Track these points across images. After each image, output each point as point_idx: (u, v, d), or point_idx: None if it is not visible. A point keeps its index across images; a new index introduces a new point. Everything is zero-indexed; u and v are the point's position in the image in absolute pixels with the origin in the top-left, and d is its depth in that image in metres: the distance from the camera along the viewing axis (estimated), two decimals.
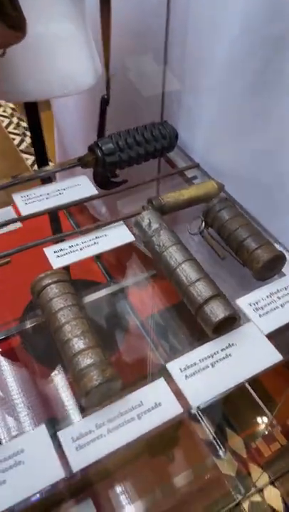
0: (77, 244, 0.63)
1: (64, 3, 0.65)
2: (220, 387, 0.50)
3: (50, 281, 0.53)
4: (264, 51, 0.60)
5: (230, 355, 0.53)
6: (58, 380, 0.95)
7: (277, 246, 0.61)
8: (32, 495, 0.42)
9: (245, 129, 0.68)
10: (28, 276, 0.56)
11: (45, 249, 0.62)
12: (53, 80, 0.69)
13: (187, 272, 0.56)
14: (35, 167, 1.48)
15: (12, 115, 2.17)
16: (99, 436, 0.46)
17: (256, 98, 0.64)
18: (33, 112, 0.79)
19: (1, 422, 0.86)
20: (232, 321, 0.54)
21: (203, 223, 0.66)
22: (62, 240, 0.64)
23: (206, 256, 0.68)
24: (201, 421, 1.12)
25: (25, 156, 1.91)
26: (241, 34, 0.61)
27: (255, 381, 1.09)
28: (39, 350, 1.03)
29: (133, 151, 0.73)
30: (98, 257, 1.45)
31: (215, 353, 0.53)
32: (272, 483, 1.09)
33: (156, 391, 0.50)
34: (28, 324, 0.61)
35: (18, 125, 2.10)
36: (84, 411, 0.48)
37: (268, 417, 1.07)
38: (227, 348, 0.53)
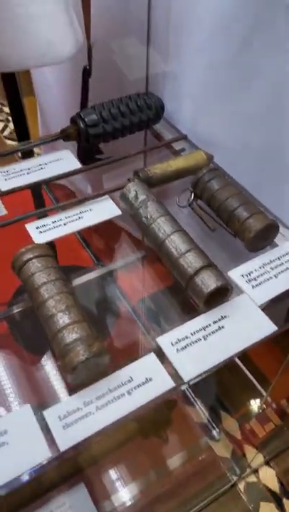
0: (60, 220, 0.60)
1: None
2: (213, 360, 0.48)
3: (31, 255, 0.50)
4: (249, 12, 0.57)
5: (223, 327, 0.50)
6: (48, 365, 0.93)
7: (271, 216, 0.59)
8: (17, 476, 0.40)
9: (233, 96, 0.65)
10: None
11: (27, 225, 0.59)
12: (30, 49, 0.66)
13: (176, 244, 0.54)
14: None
15: None
16: (87, 414, 0.43)
17: (243, 61, 0.61)
18: (11, 85, 0.75)
19: None
20: (224, 292, 0.52)
21: (192, 195, 0.63)
22: (45, 216, 0.62)
23: (197, 229, 0.66)
24: (194, 403, 1.11)
25: (9, 142, 1.86)
26: None
27: (247, 361, 1.09)
28: (28, 336, 1.01)
29: (117, 122, 0.70)
30: (87, 244, 1.43)
31: (207, 326, 0.50)
32: (267, 463, 1.08)
33: (146, 366, 0.47)
34: (16, 309, 0.58)
35: (0, 111, 2.05)
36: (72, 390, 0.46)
37: (262, 396, 1.06)
38: (219, 320, 0.51)
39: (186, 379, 0.46)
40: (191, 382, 0.47)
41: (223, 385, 1.13)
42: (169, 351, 0.48)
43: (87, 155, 0.74)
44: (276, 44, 0.56)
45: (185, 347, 0.49)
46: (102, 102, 0.71)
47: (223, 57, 0.63)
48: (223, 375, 1.10)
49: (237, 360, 1.05)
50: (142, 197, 0.59)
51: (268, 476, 1.07)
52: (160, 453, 1.01)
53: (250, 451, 1.07)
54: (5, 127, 1.94)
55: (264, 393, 0.97)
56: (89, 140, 0.69)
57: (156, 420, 0.84)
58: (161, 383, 0.46)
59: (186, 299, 0.55)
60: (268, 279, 0.55)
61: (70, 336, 0.44)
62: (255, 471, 1.07)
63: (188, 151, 0.74)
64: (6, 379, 0.89)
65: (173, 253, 0.53)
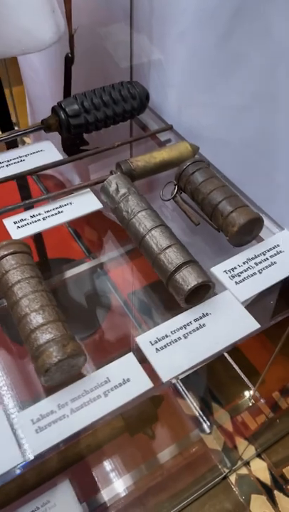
0: (39, 214, 0.58)
1: None
2: (193, 360, 0.47)
3: (5, 252, 0.49)
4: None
5: (204, 325, 0.49)
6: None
7: (255, 210, 0.57)
8: None
9: (217, 85, 0.63)
10: None
11: (4, 220, 0.57)
12: (9, 37, 0.63)
13: (157, 239, 0.52)
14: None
15: None
16: (61, 417, 0.42)
17: (227, 50, 0.59)
18: None
19: None
20: (206, 289, 0.50)
21: (176, 188, 0.61)
22: (31, 207, 0.60)
23: (182, 224, 0.64)
24: (185, 396, 1.10)
25: None
26: None
27: (238, 354, 1.08)
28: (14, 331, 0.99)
29: (100, 112, 0.67)
30: (79, 236, 1.41)
31: (188, 324, 0.49)
32: (258, 455, 1.08)
33: (124, 366, 0.46)
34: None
35: None
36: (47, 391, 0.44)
37: (250, 390, 1.05)
38: (201, 318, 0.50)
39: (164, 379, 0.45)
40: (174, 381, 0.46)
41: (215, 377, 1.12)
42: (148, 351, 0.47)
43: (72, 146, 0.72)
44: (260, 33, 0.54)
45: (165, 346, 0.47)
46: (85, 91, 0.68)
47: (207, 46, 0.61)
48: (214, 366, 1.09)
49: (226, 354, 1.04)
50: (122, 190, 0.57)
51: (260, 469, 1.07)
52: (151, 446, 1.00)
53: (241, 444, 1.06)
54: None
55: (252, 387, 0.96)
56: (70, 131, 0.67)
57: (142, 417, 0.83)
58: (139, 384, 0.45)
59: None
60: (252, 275, 0.53)
61: (44, 336, 0.43)
62: (247, 464, 1.07)
63: (174, 142, 0.72)
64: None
65: (153, 249, 0.51)
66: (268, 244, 0.56)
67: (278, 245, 0.56)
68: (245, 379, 1.02)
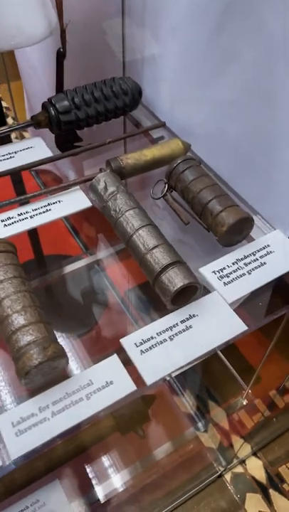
0: (27, 212, 0.58)
1: None
2: (178, 362, 0.46)
3: None
4: None
5: (190, 327, 0.48)
6: None
7: (247, 209, 0.56)
8: None
9: (210, 81, 0.62)
10: None
11: None
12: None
13: (144, 239, 0.51)
14: None
15: None
16: (42, 420, 0.41)
17: (219, 45, 0.57)
18: None
19: None
20: (193, 290, 0.49)
21: (166, 186, 0.60)
22: (26, 203, 0.59)
23: (172, 223, 0.63)
24: (182, 393, 1.10)
25: None
26: None
27: (234, 351, 1.07)
28: None
29: (91, 108, 0.66)
30: (76, 232, 1.40)
31: (174, 326, 0.48)
32: (254, 454, 1.07)
33: (108, 369, 0.45)
34: None
35: None
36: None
37: (244, 389, 1.04)
38: (187, 319, 0.49)
39: (148, 382, 0.44)
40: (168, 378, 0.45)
41: (212, 375, 1.11)
42: (133, 353, 0.46)
43: (64, 142, 0.71)
44: (253, 27, 0.53)
45: (150, 348, 0.47)
46: (76, 87, 0.67)
47: (199, 41, 0.60)
48: (212, 364, 1.08)
49: (220, 353, 1.03)
50: (111, 188, 0.56)
51: (255, 467, 1.06)
52: (146, 444, 1.00)
53: (237, 442, 1.06)
54: None
55: (245, 387, 0.95)
56: (61, 127, 0.66)
57: (133, 416, 0.82)
58: (122, 387, 0.44)
59: None
60: (241, 276, 0.52)
61: (25, 338, 0.42)
62: (243, 462, 1.06)
63: (167, 139, 0.71)
64: None
65: (140, 249, 0.51)
66: (258, 244, 0.55)
67: (269, 245, 0.55)
68: (239, 378, 1.01)
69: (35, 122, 0.66)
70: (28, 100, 1.28)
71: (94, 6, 0.78)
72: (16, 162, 0.64)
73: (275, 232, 0.57)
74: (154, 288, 0.50)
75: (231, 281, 0.52)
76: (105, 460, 0.94)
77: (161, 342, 0.47)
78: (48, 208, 0.59)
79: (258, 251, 0.55)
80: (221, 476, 1.03)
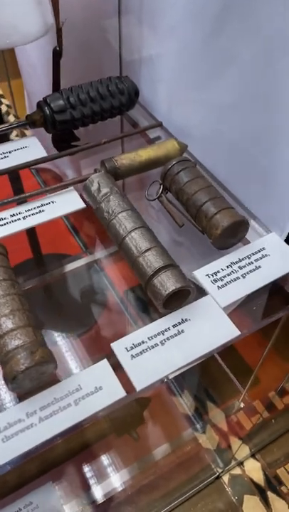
0: (19, 213, 0.57)
1: None
2: (169, 368, 0.45)
3: None
4: None
5: (182, 331, 0.47)
6: None
7: (243, 212, 0.56)
8: None
9: (206, 82, 0.61)
10: None
11: None
12: None
13: (137, 241, 0.50)
14: None
15: None
16: (29, 425, 0.41)
17: (217, 46, 0.56)
18: None
19: None
20: (186, 294, 0.48)
21: (161, 187, 0.60)
22: (22, 202, 0.58)
23: (167, 225, 0.62)
24: (180, 394, 1.09)
25: None
26: None
27: (232, 352, 1.06)
28: None
29: (87, 108, 0.65)
30: (76, 231, 1.39)
31: (166, 330, 0.47)
32: (253, 455, 1.07)
33: (97, 373, 0.45)
34: None
35: None
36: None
37: (250, 387, 1.04)
38: (180, 324, 0.48)
39: (138, 388, 0.44)
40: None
41: (211, 376, 1.10)
42: (123, 358, 0.45)
43: (61, 141, 0.70)
44: (251, 29, 0.51)
45: (141, 353, 0.46)
46: (71, 86, 0.67)
47: (197, 40, 0.59)
48: (210, 365, 1.08)
49: (216, 355, 1.02)
50: (104, 190, 0.55)
51: (253, 469, 1.05)
52: (143, 444, 0.99)
53: (235, 443, 1.05)
54: None
55: (242, 389, 0.95)
56: (56, 127, 0.65)
57: (126, 419, 0.82)
58: (112, 392, 0.43)
59: None
60: (235, 280, 0.51)
61: (13, 342, 0.42)
62: (241, 464, 1.06)
63: (164, 139, 0.70)
64: None
65: (133, 251, 0.50)
66: (253, 247, 0.54)
67: (264, 248, 0.54)
68: (235, 380, 1.00)
69: (30, 121, 0.65)
70: (28, 98, 1.28)
71: (91, 4, 0.77)
72: (10, 162, 0.64)
73: (271, 235, 0.56)
74: (146, 291, 0.49)
75: (225, 284, 0.51)
76: (102, 461, 0.94)
77: (153, 347, 0.46)
78: (41, 208, 0.58)
79: (253, 254, 0.54)
80: (218, 477, 1.03)
